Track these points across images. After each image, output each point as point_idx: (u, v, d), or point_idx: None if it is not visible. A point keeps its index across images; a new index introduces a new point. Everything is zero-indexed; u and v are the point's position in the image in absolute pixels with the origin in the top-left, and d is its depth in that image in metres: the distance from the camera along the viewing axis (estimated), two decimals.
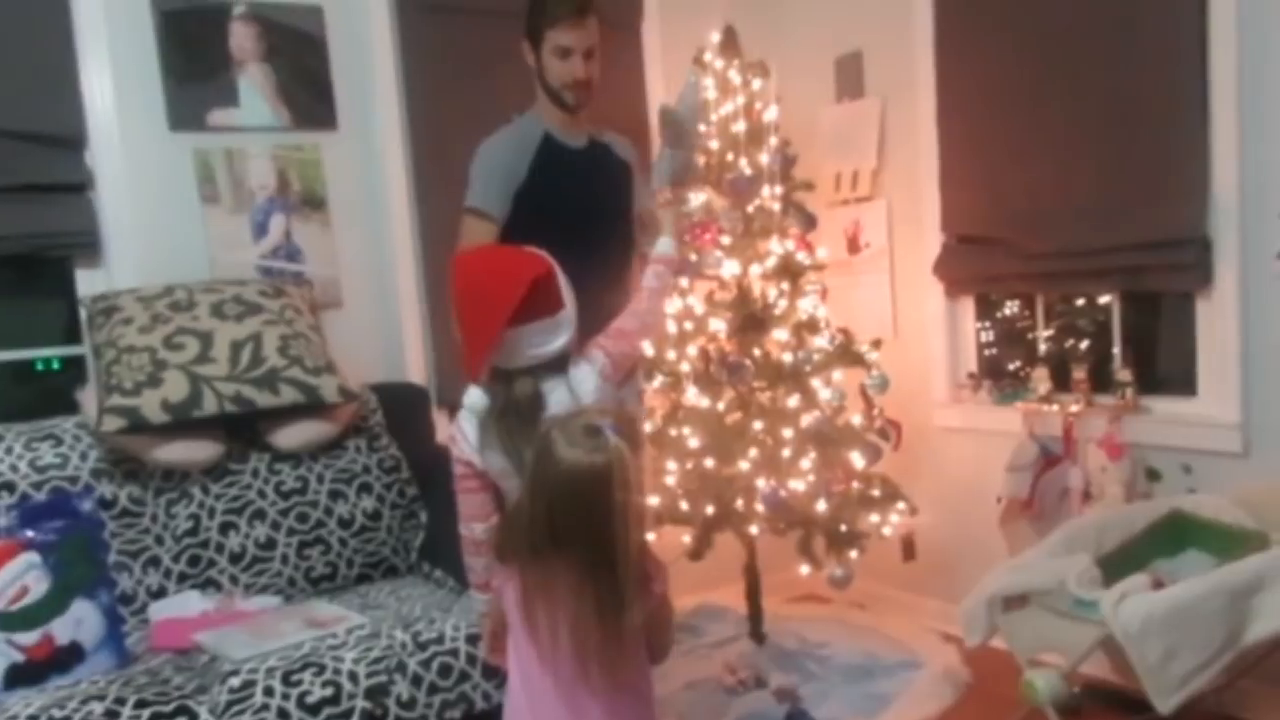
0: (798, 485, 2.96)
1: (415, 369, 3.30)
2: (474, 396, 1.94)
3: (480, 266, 1.99)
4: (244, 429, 2.71)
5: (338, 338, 3.06)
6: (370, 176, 3.26)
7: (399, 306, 3.30)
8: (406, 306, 3.30)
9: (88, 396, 2.65)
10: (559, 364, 1.99)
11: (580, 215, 2.55)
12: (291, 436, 2.73)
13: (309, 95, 3.17)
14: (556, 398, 1.96)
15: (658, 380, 3.21)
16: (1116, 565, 2.40)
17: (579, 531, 1.59)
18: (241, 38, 3.04)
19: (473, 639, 2.31)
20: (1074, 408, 3.02)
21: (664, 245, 2.28)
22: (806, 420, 3.01)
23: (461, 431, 1.98)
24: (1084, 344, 3.26)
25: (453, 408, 3.36)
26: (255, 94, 3.08)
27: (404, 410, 3.03)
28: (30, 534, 2.23)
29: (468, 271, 1.96)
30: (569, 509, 1.60)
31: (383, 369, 3.20)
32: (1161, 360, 3.00)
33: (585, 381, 1.99)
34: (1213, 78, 2.67)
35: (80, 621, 2.24)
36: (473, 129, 3.38)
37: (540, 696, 1.68)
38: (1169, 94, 2.76)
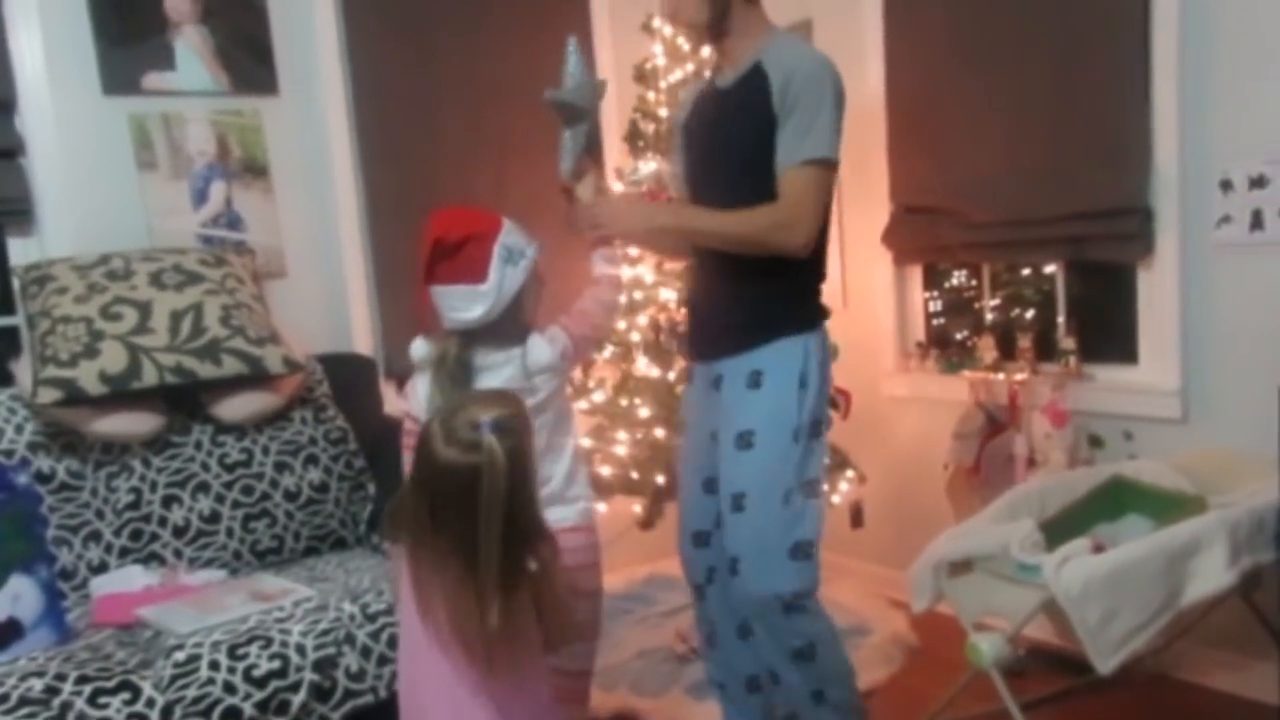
0: None
1: (362, 339, 3.26)
2: (415, 345, 2.00)
3: (427, 222, 1.97)
4: (186, 401, 2.66)
5: (282, 308, 3.01)
6: (313, 142, 3.20)
7: (345, 276, 3.25)
8: (352, 276, 3.25)
9: (22, 368, 2.58)
10: (513, 339, 1.97)
11: None
12: (235, 408, 2.68)
13: (248, 58, 3.09)
14: (506, 375, 1.94)
15: (608, 350, 3.20)
16: (1059, 530, 2.43)
17: (456, 526, 1.58)
18: None
19: None
20: (1019, 376, 3.06)
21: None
22: None
23: (414, 389, 2.00)
24: (1029, 313, 3.30)
25: (400, 378, 3.35)
26: (192, 57, 3.00)
27: (351, 381, 2.99)
28: None
29: (428, 229, 1.95)
30: (445, 504, 1.59)
31: (329, 340, 3.15)
32: (1104, 329, 3.04)
33: (539, 354, 1.96)
34: (1155, 47, 2.70)
35: (18, 597, 2.19)
36: (417, 94, 3.36)
37: (423, 668, 1.67)
38: (1112, 64, 2.79)
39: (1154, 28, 2.69)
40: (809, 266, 2.15)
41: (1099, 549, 2.26)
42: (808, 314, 2.18)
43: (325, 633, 2.19)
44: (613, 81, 3.63)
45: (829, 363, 2.21)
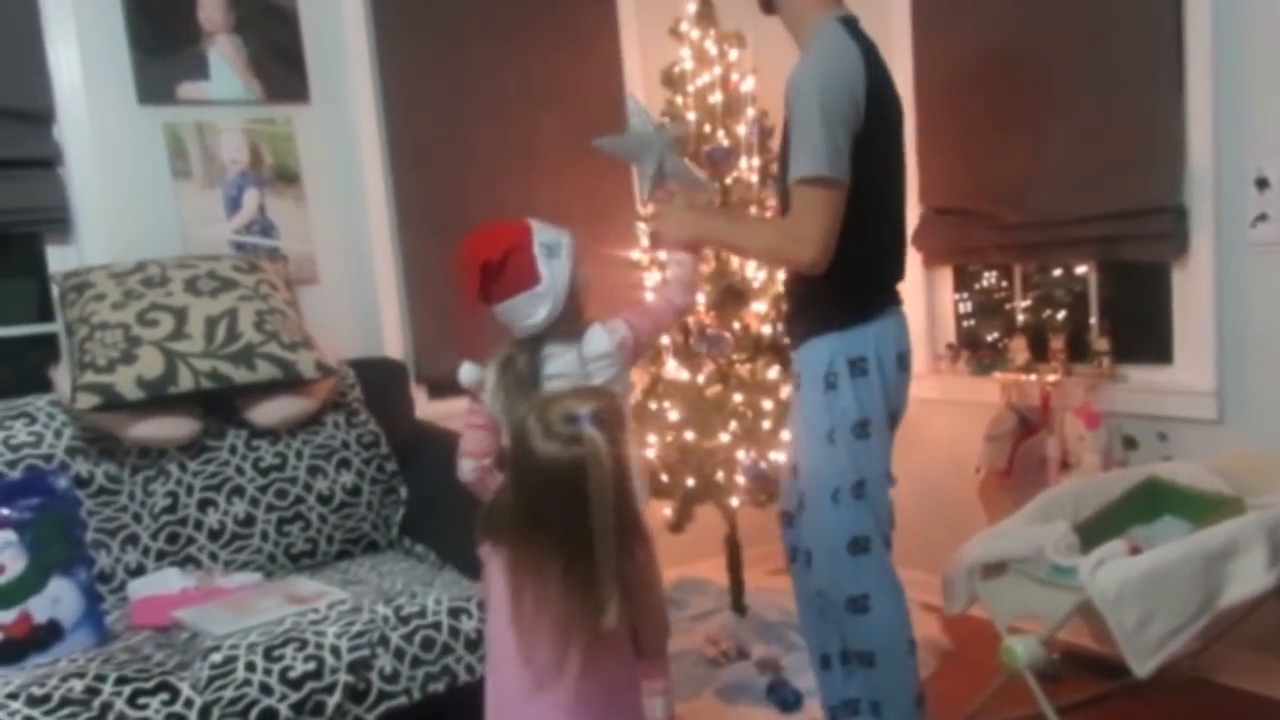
0: (778, 457, 2.96)
1: (393, 344, 3.28)
2: (464, 371, 2.08)
3: (460, 250, 2.06)
4: (221, 405, 2.68)
5: (314, 313, 3.03)
6: (344, 150, 3.22)
7: (376, 281, 3.27)
8: (383, 281, 3.28)
9: (61, 374, 2.61)
10: (577, 329, 2.06)
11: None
12: (269, 412, 2.71)
13: (280, 68, 3.12)
14: (564, 361, 2.03)
15: None
16: (1094, 532, 2.41)
17: (559, 523, 1.55)
18: (210, 9, 2.99)
19: (455, 612, 2.31)
20: (1051, 377, 3.04)
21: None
22: (786, 392, 3.02)
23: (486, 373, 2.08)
24: (1061, 314, 3.28)
25: (431, 383, 3.38)
26: (226, 66, 3.03)
27: (382, 385, 3.01)
28: (5, 512, 2.21)
29: (457, 255, 2.06)
30: (549, 502, 1.56)
31: (360, 344, 3.18)
32: (1138, 329, 3.02)
33: (596, 344, 2.05)
34: (1188, 45, 2.68)
35: (58, 600, 2.22)
36: (446, 101, 3.38)
37: (510, 675, 1.67)
38: (1144, 62, 2.77)
39: (1186, 23, 2.67)
40: (838, 268, 2.09)
41: (1135, 551, 2.24)
42: (837, 314, 2.13)
43: (359, 635, 2.20)
44: (640, 86, 3.65)
45: (875, 360, 2.11)
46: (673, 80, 3.26)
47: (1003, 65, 3.11)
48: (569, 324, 2.05)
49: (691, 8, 3.22)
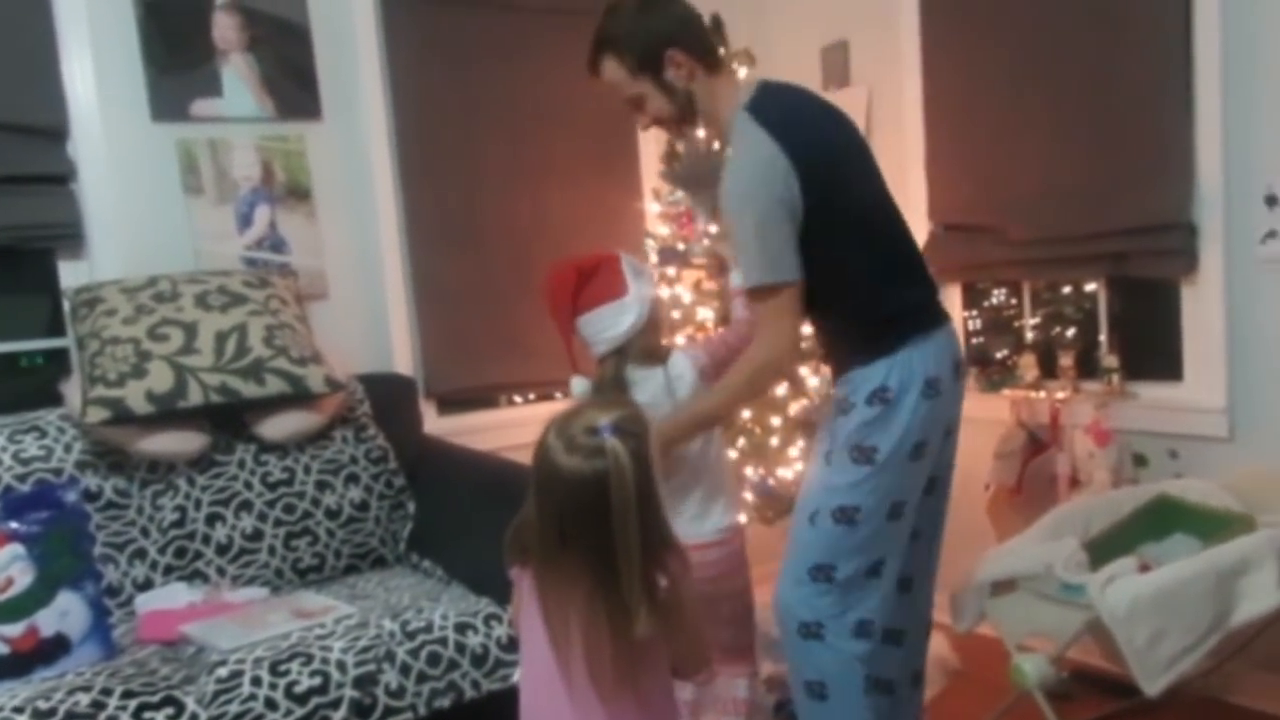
0: (786, 474, 2.95)
1: (402, 360, 3.29)
2: (576, 384, 2.17)
3: (551, 269, 2.24)
4: (230, 420, 2.69)
5: (324, 328, 3.04)
6: (356, 167, 3.24)
7: (385, 297, 3.28)
8: (393, 297, 3.29)
9: (71, 388, 2.63)
10: (656, 356, 2.18)
11: None
12: (278, 427, 2.72)
13: (293, 85, 3.14)
14: (652, 387, 2.15)
15: None
16: (1104, 549, 2.40)
17: (586, 538, 1.53)
18: (224, 28, 3.02)
19: (462, 628, 2.31)
20: (1061, 394, 3.03)
21: (736, 278, 2.33)
22: (794, 408, 3.01)
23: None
24: (1070, 331, 3.27)
25: (440, 398, 3.39)
26: (239, 84, 3.06)
27: (391, 401, 3.02)
28: (14, 526, 2.21)
29: (545, 280, 2.23)
30: (574, 517, 1.54)
31: (370, 360, 3.19)
32: (1148, 346, 3.01)
33: (684, 374, 2.18)
34: (1197, 62, 2.68)
35: (66, 613, 2.22)
36: (457, 119, 3.40)
37: (549, 693, 1.63)
38: (1153, 79, 2.77)
39: (1195, 41, 2.67)
40: (845, 315, 2.07)
41: (1145, 568, 2.22)
42: (863, 351, 2.03)
43: (365, 650, 2.20)
44: None
45: (898, 389, 1.99)
46: None
47: (1012, 82, 3.11)
48: (650, 347, 2.18)
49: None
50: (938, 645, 3.17)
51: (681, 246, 3.11)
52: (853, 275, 2.04)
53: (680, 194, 3.21)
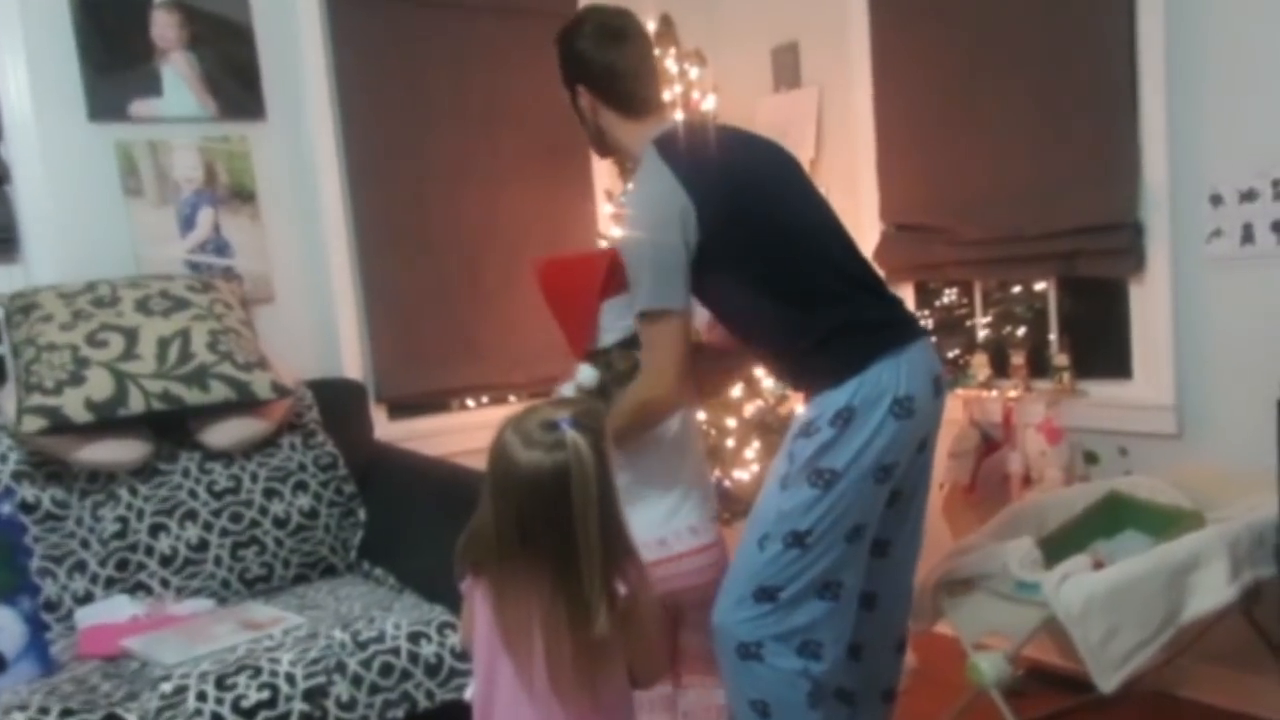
0: (742, 475, 2.95)
1: (351, 364, 3.23)
2: (586, 373, 2.06)
3: (576, 255, 2.29)
4: (173, 428, 2.62)
5: (270, 334, 2.98)
6: (301, 168, 3.18)
7: (333, 301, 3.22)
8: (341, 301, 3.23)
9: (6, 397, 2.54)
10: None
11: None
12: (223, 434, 2.65)
13: (236, 85, 3.07)
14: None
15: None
16: (1058, 547, 2.42)
17: (547, 535, 1.51)
18: (164, 25, 2.94)
19: (415, 637, 2.26)
20: (1012, 394, 3.05)
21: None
22: (750, 410, 3.01)
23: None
24: (1021, 331, 3.30)
25: (391, 403, 3.33)
26: (179, 84, 2.98)
27: (341, 406, 2.96)
28: None
29: (554, 267, 2.21)
30: (535, 513, 1.52)
31: (318, 365, 3.13)
32: (1097, 345, 3.04)
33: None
34: (1141, 63, 2.72)
35: (0, 629, 2.15)
36: (405, 120, 3.35)
37: (511, 707, 1.61)
38: (1100, 80, 2.80)
39: (1140, 43, 2.71)
40: (799, 346, 2.02)
41: (1099, 565, 2.24)
42: (827, 377, 1.98)
43: (315, 661, 2.14)
44: None
45: (863, 408, 1.93)
46: None
47: (962, 83, 3.14)
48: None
49: (652, 26, 3.21)
50: None
51: None
52: (799, 303, 2.01)
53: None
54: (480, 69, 3.47)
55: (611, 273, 2.08)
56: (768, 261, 2.00)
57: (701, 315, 2.17)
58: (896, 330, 2.02)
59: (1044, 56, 2.92)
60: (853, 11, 3.45)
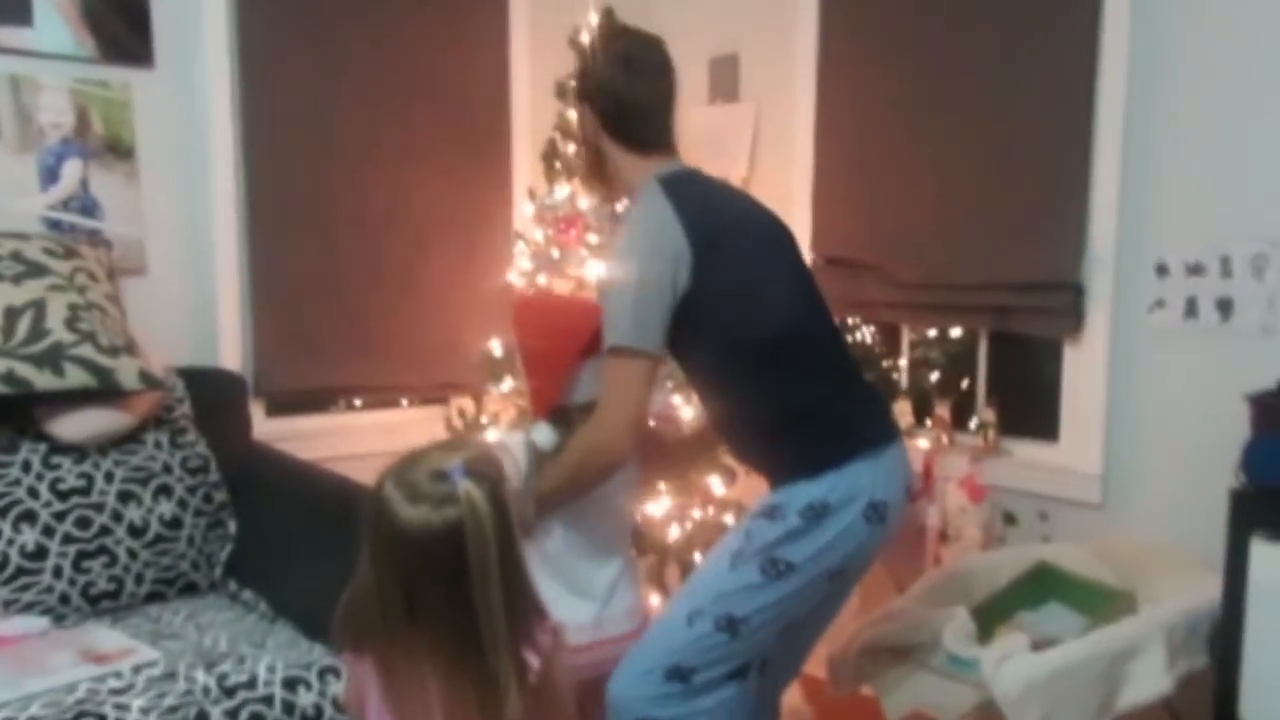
0: (653, 511, 2.76)
1: (230, 353, 2.91)
2: (543, 433, 1.92)
3: (548, 303, 2.16)
4: (16, 414, 2.28)
5: (140, 311, 2.64)
6: (190, 126, 2.85)
7: (215, 278, 2.89)
8: (224, 279, 2.90)
9: None
10: None
11: None
12: (76, 426, 2.31)
13: (121, 24, 2.71)
14: None
15: (506, 385, 2.94)
16: (985, 616, 2.32)
17: (441, 606, 1.30)
18: None
19: (291, 683, 1.98)
20: (928, 445, 2.95)
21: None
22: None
23: (511, 453, 1.86)
24: (947, 379, 3.21)
25: (270, 398, 3.01)
26: (54, 14, 2.61)
27: (216, 401, 2.65)
28: None
29: (537, 308, 2.14)
30: (424, 581, 1.30)
31: (192, 351, 2.80)
32: (1025, 403, 2.97)
33: None
34: (1099, 122, 2.64)
35: None
36: (313, 85, 3.04)
37: None
38: (1053, 133, 2.72)
39: (1099, 101, 2.63)
40: (780, 423, 1.95)
41: (1036, 646, 2.14)
42: (801, 465, 1.91)
43: (173, 710, 1.84)
44: (530, 96, 3.41)
45: (837, 506, 1.87)
46: (566, 93, 3.03)
47: (909, 115, 3.02)
48: None
49: (594, 18, 2.99)
50: (791, 695, 3.06)
51: (556, 255, 2.87)
52: (775, 376, 1.93)
53: (559, 197, 2.97)
54: (402, 39, 3.19)
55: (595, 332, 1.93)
56: (751, 326, 1.91)
57: (654, 404, 2.04)
58: (875, 428, 1.97)
59: (999, 99, 2.82)
60: (800, 26, 3.31)
